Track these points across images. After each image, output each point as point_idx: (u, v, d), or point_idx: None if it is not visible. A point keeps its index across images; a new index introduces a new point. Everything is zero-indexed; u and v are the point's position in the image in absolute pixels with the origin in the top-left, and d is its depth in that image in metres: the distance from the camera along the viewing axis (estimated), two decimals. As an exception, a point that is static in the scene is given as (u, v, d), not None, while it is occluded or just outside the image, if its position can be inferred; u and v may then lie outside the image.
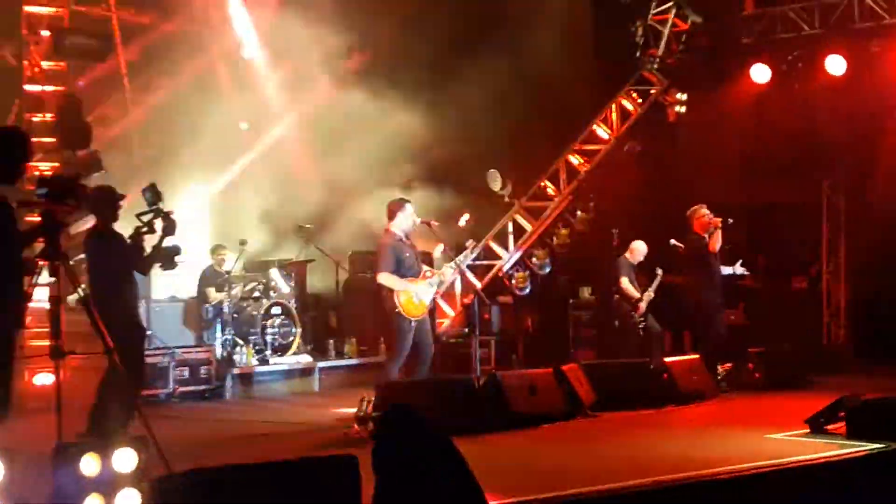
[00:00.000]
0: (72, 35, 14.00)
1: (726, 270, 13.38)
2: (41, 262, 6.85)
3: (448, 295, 15.99)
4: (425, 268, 10.84)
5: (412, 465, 4.05)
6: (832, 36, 15.13)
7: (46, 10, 14.06)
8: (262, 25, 16.49)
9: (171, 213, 9.23)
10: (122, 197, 9.40)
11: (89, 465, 5.61)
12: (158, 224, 9.20)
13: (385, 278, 10.46)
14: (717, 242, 12.98)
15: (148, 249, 9.34)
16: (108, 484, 5.62)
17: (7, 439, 6.38)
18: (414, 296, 10.47)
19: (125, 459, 5.69)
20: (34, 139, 12.45)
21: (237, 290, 14.59)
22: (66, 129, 13.98)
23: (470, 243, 11.34)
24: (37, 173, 12.56)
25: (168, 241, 9.33)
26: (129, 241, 9.25)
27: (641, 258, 13.87)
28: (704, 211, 13.14)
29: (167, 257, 9.55)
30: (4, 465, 5.47)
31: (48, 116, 14.02)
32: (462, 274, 11.40)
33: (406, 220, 10.68)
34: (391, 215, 10.70)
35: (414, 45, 15.92)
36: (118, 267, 9.18)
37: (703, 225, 13.07)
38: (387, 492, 4.07)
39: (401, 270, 10.50)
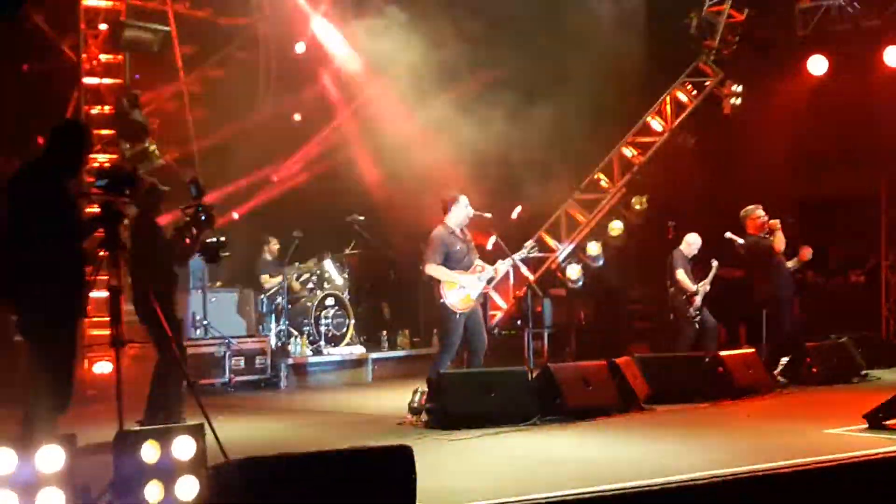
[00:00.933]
0: (129, 28, 14.15)
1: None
2: (102, 253, 6.94)
3: (501, 287, 15.96)
4: (478, 263, 10.76)
5: None
6: (890, 27, 14.93)
7: (104, 4, 14.23)
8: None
9: (213, 207, 9.30)
10: (166, 190, 9.49)
11: (149, 452, 5.69)
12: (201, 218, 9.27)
13: (431, 269, 10.47)
14: (781, 243, 12.78)
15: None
16: (168, 471, 5.71)
17: (68, 427, 6.47)
18: (460, 288, 10.47)
19: (184, 447, 5.78)
20: (93, 131, 12.66)
21: (291, 280, 14.71)
22: (123, 122, 14.15)
23: (529, 244, 11.30)
24: (96, 165, 12.78)
25: (210, 235, 9.41)
26: (173, 233, 9.34)
27: (696, 251, 13.75)
28: (760, 212, 12.90)
29: (212, 251, 9.62)
30: (66, 452, 5.54)
31: (106, 109, 14.20)
32: (515, 267, 11.34)
33: (460, 213, 10.67)
34: (445, 209, 10.71)
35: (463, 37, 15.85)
36: (159, 259, 9.26)
37: (757, 226, 12.87)
38: None
39: (449, 263, 10.49)
